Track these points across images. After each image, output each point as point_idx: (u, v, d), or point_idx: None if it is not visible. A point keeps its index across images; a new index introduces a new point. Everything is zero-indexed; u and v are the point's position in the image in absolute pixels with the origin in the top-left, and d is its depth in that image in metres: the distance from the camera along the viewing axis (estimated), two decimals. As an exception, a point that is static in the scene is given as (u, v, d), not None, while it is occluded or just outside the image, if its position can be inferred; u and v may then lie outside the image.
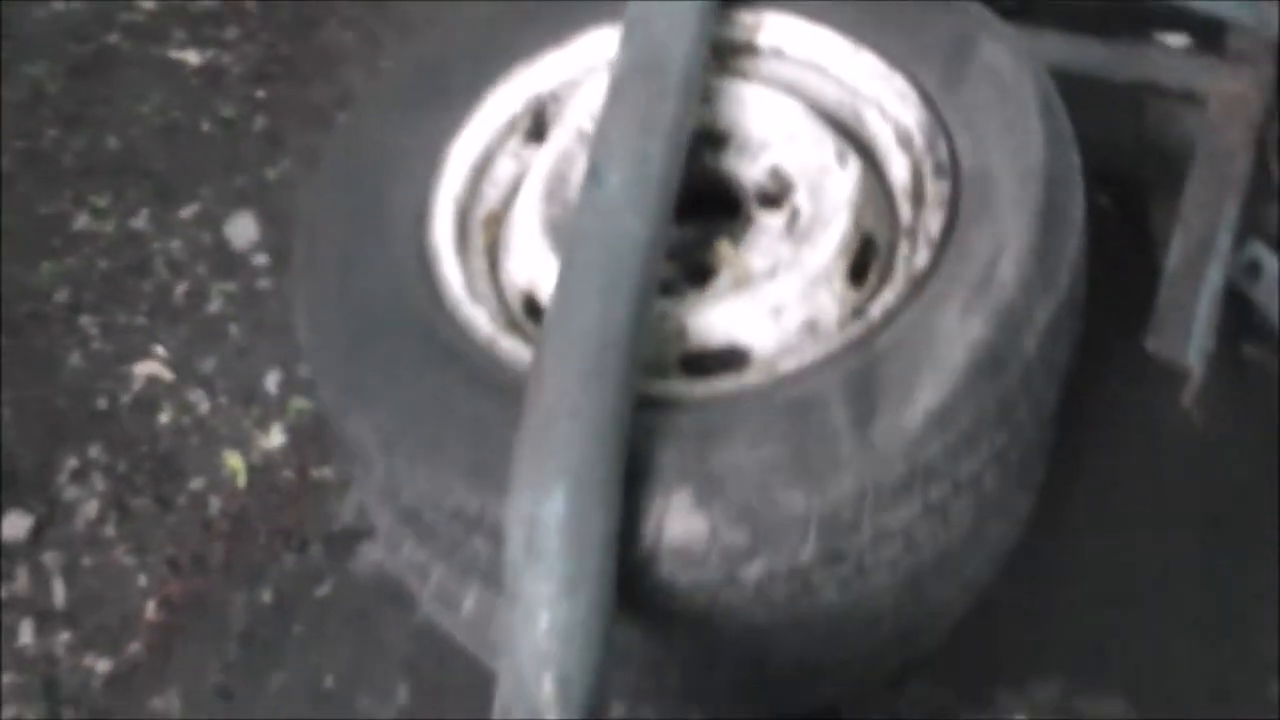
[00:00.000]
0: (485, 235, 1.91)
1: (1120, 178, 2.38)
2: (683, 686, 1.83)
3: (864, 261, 1.80)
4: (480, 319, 1.75)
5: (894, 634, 1.84)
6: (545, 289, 1.74)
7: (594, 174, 1.67)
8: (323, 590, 2.34)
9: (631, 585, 1.54)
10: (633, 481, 1.53)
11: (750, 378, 1.66)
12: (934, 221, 1.75)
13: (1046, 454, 1.92)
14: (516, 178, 1.95)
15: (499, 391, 1.64)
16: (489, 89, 1.97)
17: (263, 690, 2.25)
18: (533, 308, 1.81)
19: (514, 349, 1.71)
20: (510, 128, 1.98)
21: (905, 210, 1.84)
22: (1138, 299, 2.24)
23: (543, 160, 1.89)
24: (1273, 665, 2.01)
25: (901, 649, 1.91)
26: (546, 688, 1.43)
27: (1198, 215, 2.13)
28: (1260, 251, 2.22)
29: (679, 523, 1.54)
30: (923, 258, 1.72)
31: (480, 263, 1.88)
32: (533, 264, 1.80)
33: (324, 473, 2.49)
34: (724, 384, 1.65)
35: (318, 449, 2.52)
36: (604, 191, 1.65)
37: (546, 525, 1.47)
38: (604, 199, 1.65)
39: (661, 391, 1.64)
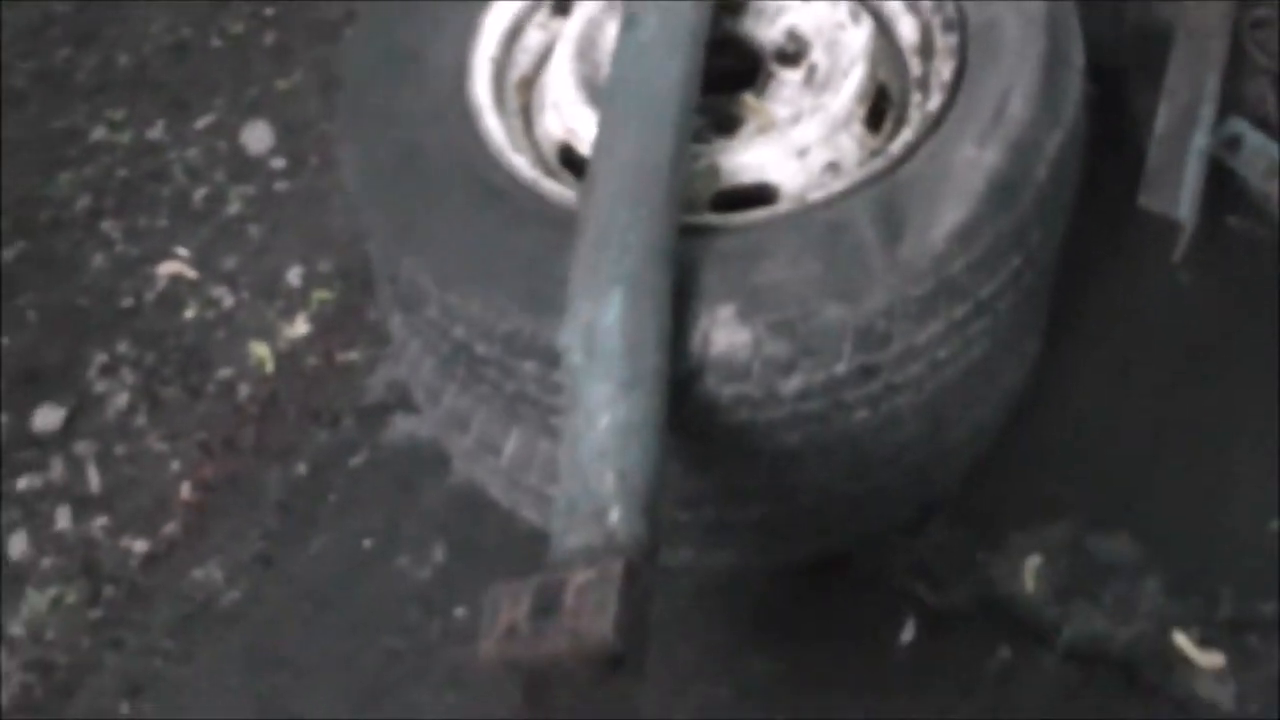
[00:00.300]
0: (519, 98, 2.01)
1: (1103, 68, 2.49)
2: (717, 521, 1.93)
3: (880, 110, 1.91)
4: (523, 165, 1.86)
5: (915, 469, 1.94)
6: (583, 137, 1.85)
7: (630, 21, 1.79)
8: (357, 460, 2.43)
9: (679, 399, 1.64)
10: (680, 298, 1.64)
11: (783, 208, 1.77)
12: (945, 70, 1.88)
13: (1052, 297, 2.04)
14: (545, 46, 2.06)
15: (546, 225, 1.75)
16: (519, -37, 2.07)
17: (303, 554, 2.35)
18: (569, 158, 1.92)
19: (556, 189, 1.81)
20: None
21: (915, 65, 1.96)
22: (1124, 179, 2.37)
23: (573, 25, 2.00)
24: (1270, 501, 2.13)
25: (921, 489, 2.02)
26: (608, 482, 1.52)
27: (1181, 88, 2.27)
28: (1241, 126, 2.34)
29: (724, 335, 1.65)
30: (936, 102, 1.84)
31: (516, 121, 1.98)
32: (569, 116, 1.90)
33: (350, 356, 2.58)
34: (759, 214, 1.76)
35: (342, 335, 2.61)
36: (640, 35, 1.77)
37: (604, 329, 1.57)
38: (641, 41, 1.76)
39: (701, 222, 1.74)
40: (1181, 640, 2.01)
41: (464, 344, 1.78)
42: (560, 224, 1.72)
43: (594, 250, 1.62)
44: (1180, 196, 2.19)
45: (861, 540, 2.10)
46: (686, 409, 1.68)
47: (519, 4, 2.06)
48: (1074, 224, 1.93)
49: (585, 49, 1.97)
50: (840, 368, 1.69)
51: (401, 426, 2.45)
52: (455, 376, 1.92)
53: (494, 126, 1.91)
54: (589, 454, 1.55)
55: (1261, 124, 2.34)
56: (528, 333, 1.70)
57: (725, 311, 1.65)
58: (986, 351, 1.83)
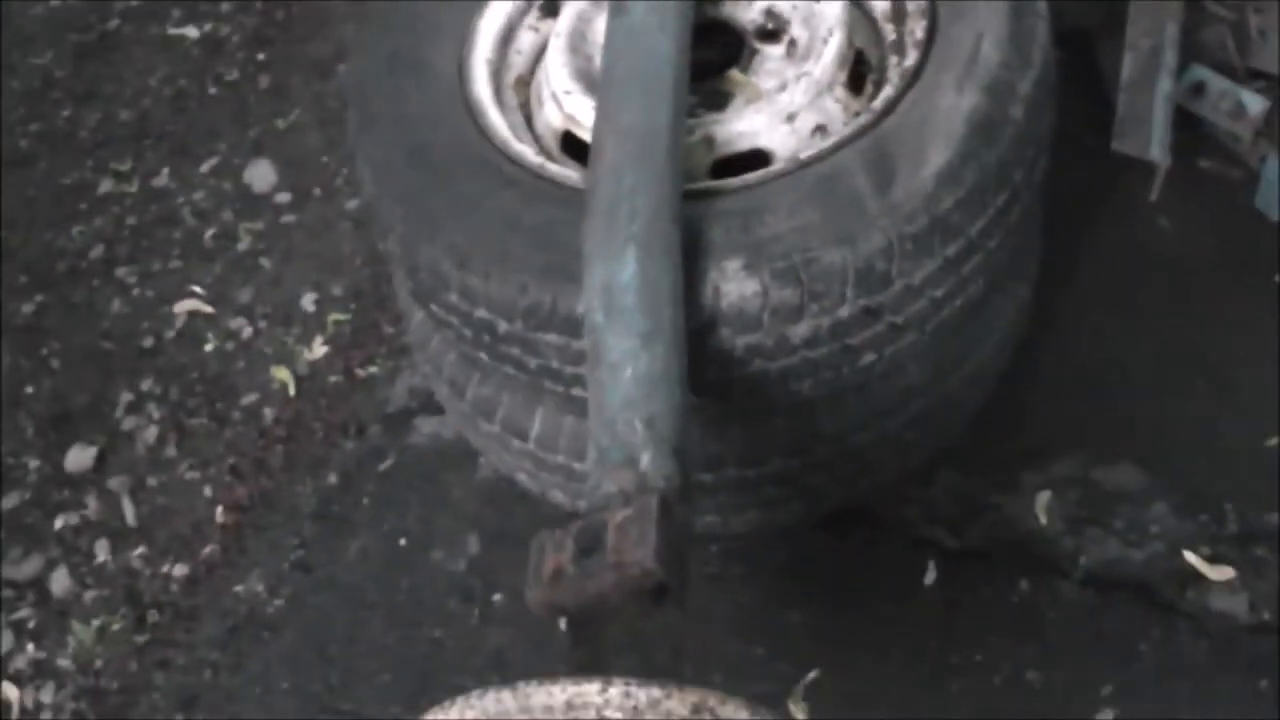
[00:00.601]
0: (517, 96, 2.12)
1: (1069, 32, 2.60)
2: (738, 480, 2.02)
3: (860, 75, 2.02)
4: (527, 152, 1.96)
5: (922, 415, 2.03)
6: (582, 123, 1.95)
7: (618, 6, 1.89)
8: (385, 465, 2.51)
9: (696, 352, 1.72)
10: (689, 256, 1.73)
11: (778, 167, 1.87)
12: (918, 30, 1.98)
13: (1038, 240, 2.14)
14: (537, 46, 2.16)
15: (555, 204, 1.85)
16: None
17: (341, 559, 2.42)
18: (569, 145, 2.01)
19: (561, 171, 1.91)
20: (528, 3, 2.19)
21: (889, 30, 2.07)
22: (1097, 132, 2.48)
23: (563, 22, 2.10)
24: (1265, 420, 2.22)
25: (928, 435, 2.10)
26: (637, 429, 1.60)
27: (1143, 38, 2.38)
28: (1203, 73, 2.46)
29: (734, 286, 1.74)
30: (913, 59, 1.94)
31: (517, 117, 2.08)
32: (567, 105, 2.00)
33: (370, 370, 2.67)
34: (756, 175, 1.86)
35: (361, 352, 2.70)
36: (630, 17, 1.87)
37: (621, 286, 1.65)
38: (631, 23, 1.86)
39: (702, 187, 1.84)
40: (1192, 558, 2.10)
41: (487, 324, 1.86)
42: (568, 202, 1.82)
43: (606, 214, 1.71)
44: (1151, 139, 2.29)
45: (877, 491, 2.17)
46: (704, 363, 1.76)
47: (509, 8, 2.16)
48: (1056, 178, 2.02)
49: (576, 43, 2.07)
50: (845, 311, 1.77)
51: (425, 429, 2.53)
52: (478, 364, 2.01)
53: (497, 121, 2.01)
54: (617, 405, 1.62)
55: (1223, 70, 2.45)
56: (548, 304, 1.79)
57: (733, 264, 1.74)
58: (981, 291, 1.92)
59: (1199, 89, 2.44)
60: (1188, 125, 2.47)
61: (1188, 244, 2.42)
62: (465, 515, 2.41)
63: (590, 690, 1.33)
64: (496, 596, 2.31)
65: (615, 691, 1.32)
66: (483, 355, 1.95)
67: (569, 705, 1.32)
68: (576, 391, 1.87)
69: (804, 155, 1.87)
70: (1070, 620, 2.09)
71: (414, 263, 1.92)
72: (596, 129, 1.82)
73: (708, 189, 1.84)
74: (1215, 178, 2.49)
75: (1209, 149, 2.50)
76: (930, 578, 2.18)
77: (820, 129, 1.95)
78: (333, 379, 2.68)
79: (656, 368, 1.64)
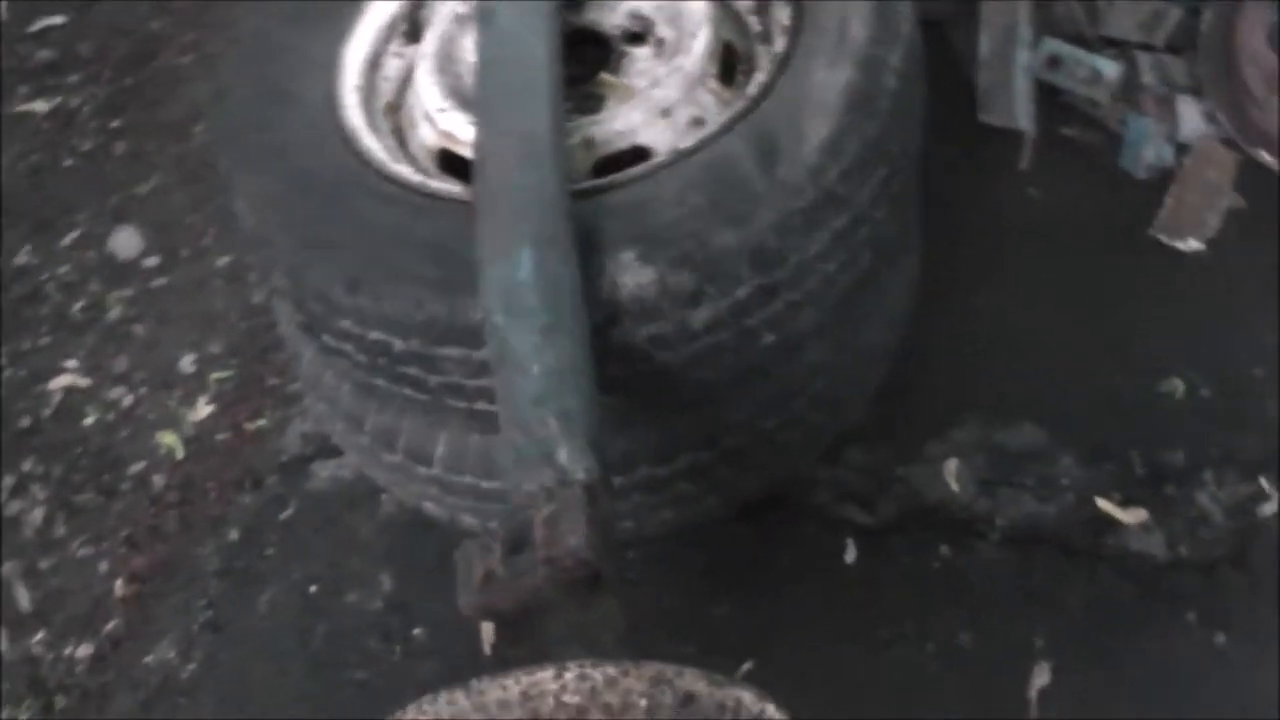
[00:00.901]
0: (389, 121, 2.10)
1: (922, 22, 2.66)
2: (650, 479, 2.00)
3: (730, 66, 2.03)
4: (406, 171, 1.94)
5: (823, 396, 2.04)
6: (460, 139, 1.95)
7: (484, 15, 1.89)
8: (287, 514, 2.46)
9: (600, 347, 1.71)
10: (583, 252, 1.72)
11: (661, 158, 1.87)
12: (784, 17, 2.01)
13: (919, 213, 2.17)
14: (403, 72, 2.15)
15: (440, 218, 1.83)
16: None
17: (252, 613, 2.36)
18: (447, 162, 2.00)
19: (442, 187, 1.89)
20: (391, 31, 2.18)
21: (754, 22, 2.10)
22: (961, 113, 2.54)
23: (429, 44, 2.10)
24: (1154, 365, 2.28)
25: (832, 415, 2.12)
26: (551, 425, 1.58)
27: (997, 15, 2.44)
28: (1057, 46, 2.53)
29: (630, 277, 1.73)
30: (781, 44, 1.97)
31: (391, 141, 2.06)
32: (442, 123, 1.99)
33: (259, 423, 2.61)
34: (640, 168, 1.86)
35: (247, 406, 2.64)
36: (498, 24, 1.87)
37: (519, 286, 1.64)
38: (499, 30, 1.87)
39: (589, 186, 1.84)
40: (1105, 504, 2.14)
41: (382, 346, 1.83)
42: (454, 215, 1.80)
43: (496, 216, 1.70)
44: (1015, 108, 2.35)
45: (789, 477, 2.18)
46: (608, 358, 1.75)
47: (373, 36, 2.15)
48: (928, 155, 2.05)
49: (444, 64, 2.07)
50: (742, 291, 1.78)
51: (324, 473, 2.48)
52: (376, 392, 1.98)
53: (372, 145, 1.99)
54: (527, 403, 1.61)
55: (1076, 41, 2.53)
56: (444, 316, 1.76)
57: (627, 256, 1.73)
58: (870, 263, 1.94)
59: (1055, 61, 2.51)
60: (1048, 97, 2.53)
61: (1061, 208, 2.48)
62: (375, 553, 2.36)
63: (545, 678, 1.31)
64: (416, 630, 2.27)
65: (571, 676, 1.30)
66: (380, 381, 1.92)
67: (525, 696, 1.30)
68: (480, 405, 1.85)
69: (684, 145, 1.87)
70: (995, 580, 2.11)
71: (302, 293, 1.89)
72: (479, 135, 1.81)
73: (594, 187, 1.84)
74: (1079, 144, 2.56)
75: (1070, 117, 2.57)
76: (851, 556, 2.18)
77: (697, 121, 1.95)
78: (221, 437, 2.62)
79: (564, 361, 1.63)
